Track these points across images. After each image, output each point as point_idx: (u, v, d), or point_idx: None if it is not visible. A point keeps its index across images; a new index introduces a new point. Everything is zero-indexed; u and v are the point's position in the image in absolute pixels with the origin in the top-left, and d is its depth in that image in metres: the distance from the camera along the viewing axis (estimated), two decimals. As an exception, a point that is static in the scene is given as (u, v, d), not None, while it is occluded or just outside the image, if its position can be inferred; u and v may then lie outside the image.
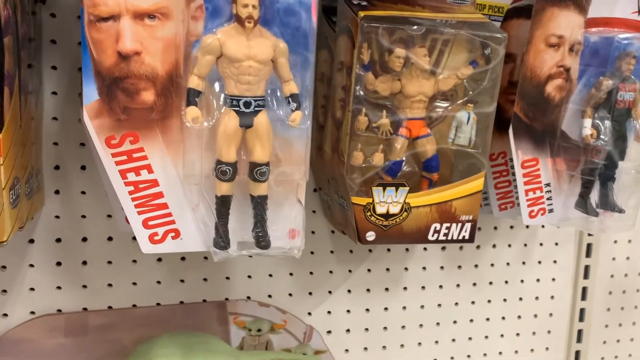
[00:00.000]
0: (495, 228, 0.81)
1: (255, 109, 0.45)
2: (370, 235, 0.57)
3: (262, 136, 0.46)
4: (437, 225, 0.59)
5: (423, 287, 0.79)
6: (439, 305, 0.80)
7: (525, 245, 0.83)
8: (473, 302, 0.82)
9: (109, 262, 0.65)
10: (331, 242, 0.73)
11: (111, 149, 0.44)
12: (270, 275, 0.71)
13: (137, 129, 0.45)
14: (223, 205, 0.47)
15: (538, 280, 0.85)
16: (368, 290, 0.76)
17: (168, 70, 0.44)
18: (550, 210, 0.66)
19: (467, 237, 0.60)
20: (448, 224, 0.59)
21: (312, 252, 0.72)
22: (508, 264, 0.83)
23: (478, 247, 0.81)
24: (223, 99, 0.45)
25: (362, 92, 0.54)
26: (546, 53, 0.60)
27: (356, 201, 0.56)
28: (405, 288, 0.78)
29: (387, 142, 0.56)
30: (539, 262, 0.84)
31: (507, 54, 0.58)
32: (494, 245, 0.82)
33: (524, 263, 0.84)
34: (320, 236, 0.73)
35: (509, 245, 0.82)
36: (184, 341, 0.61)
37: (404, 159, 0.57)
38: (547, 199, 0.65)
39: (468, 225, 0.59)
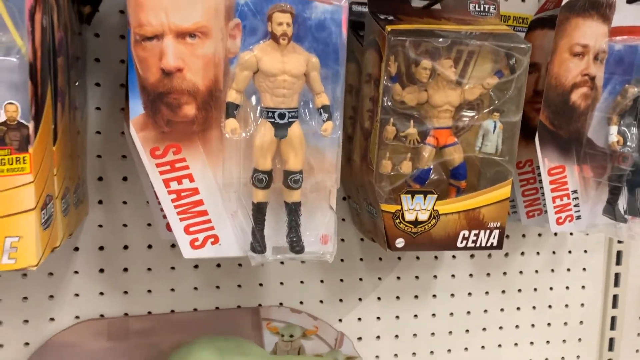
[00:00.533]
0: (524, 236, 0.81)
1: (289, 120, 0.48)
2: (400, 242, 0.59)
3: (296, 146, 0.48)
4: (466, 232, 0.60)
5: (452, 295, 0.80)
6: (468, 312, 0.81)
7: (554, 252, 0.83)
8: (502, 310, 0.83)
9: (149, 269, 0.67)
10: (360, 249, 0.75)
11: (155, 159, 0.47)
12: (302, 282, 0.73)
13: (180, 141, 0.48)
14: (259, 211, 0.49)
15: (567, 287, 0.85)
16: (398, 297, 0.78)
17: (208, 85, 0.47)
18: (578, 217, 0.66)
19: (495, 244, 0.61)
20: (476, 231, 0.60)
21: (342, 260, 0.74)
22: (537, 271, 0.83)
23: (506, 254, 0.81)
24: (259, 111, 0.48)
25: (389, 103, 0.56)
26: (571, 62, 0.61)
27: (385, 209, 0.57)
28: (434, 295, 0.79)
29: (414, 151, 0.58)
30: (568, 270, 0.84)
31: (532, 64, 0.59)
32: (522, 253, 0.82)
33: (552, 270, 0.84)
34: (350, 244, 0.74)
35: (538, 253, 0.83)
36: (221, 345, 0.63)
37: (431, 167, 0.59)
38: (575, 205, 0.66)
39: (496, 232, 0.60)
